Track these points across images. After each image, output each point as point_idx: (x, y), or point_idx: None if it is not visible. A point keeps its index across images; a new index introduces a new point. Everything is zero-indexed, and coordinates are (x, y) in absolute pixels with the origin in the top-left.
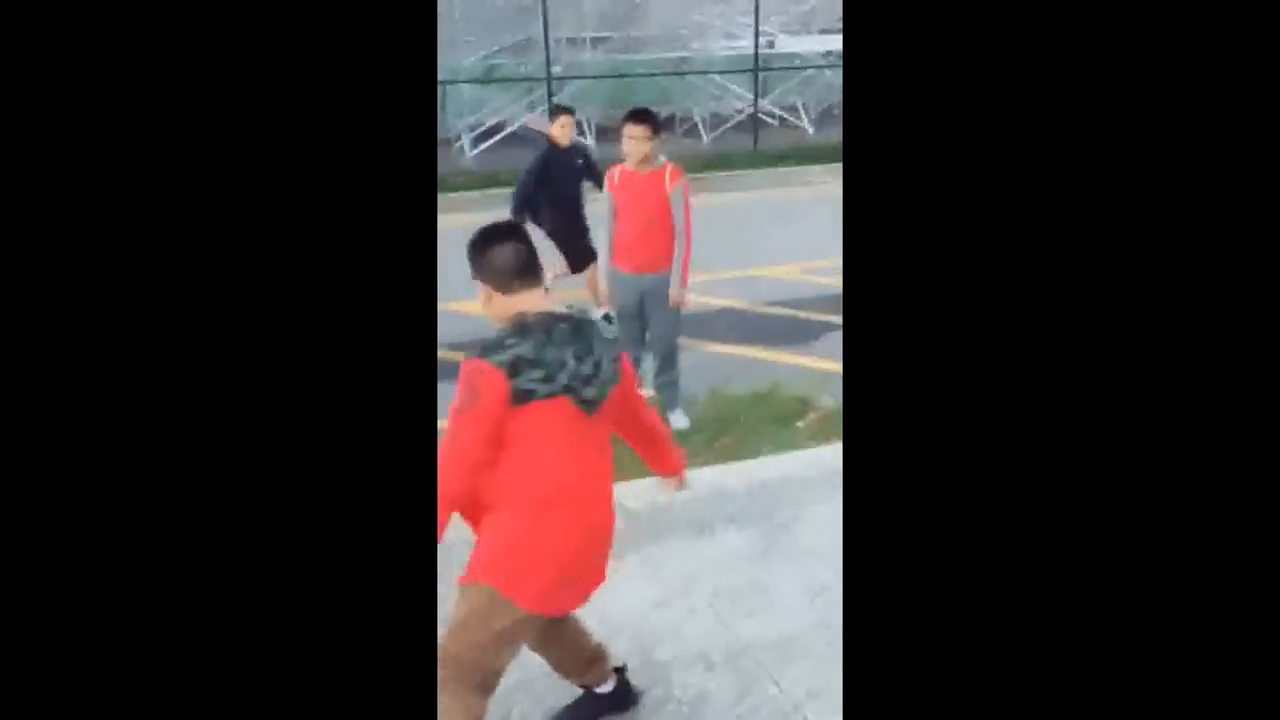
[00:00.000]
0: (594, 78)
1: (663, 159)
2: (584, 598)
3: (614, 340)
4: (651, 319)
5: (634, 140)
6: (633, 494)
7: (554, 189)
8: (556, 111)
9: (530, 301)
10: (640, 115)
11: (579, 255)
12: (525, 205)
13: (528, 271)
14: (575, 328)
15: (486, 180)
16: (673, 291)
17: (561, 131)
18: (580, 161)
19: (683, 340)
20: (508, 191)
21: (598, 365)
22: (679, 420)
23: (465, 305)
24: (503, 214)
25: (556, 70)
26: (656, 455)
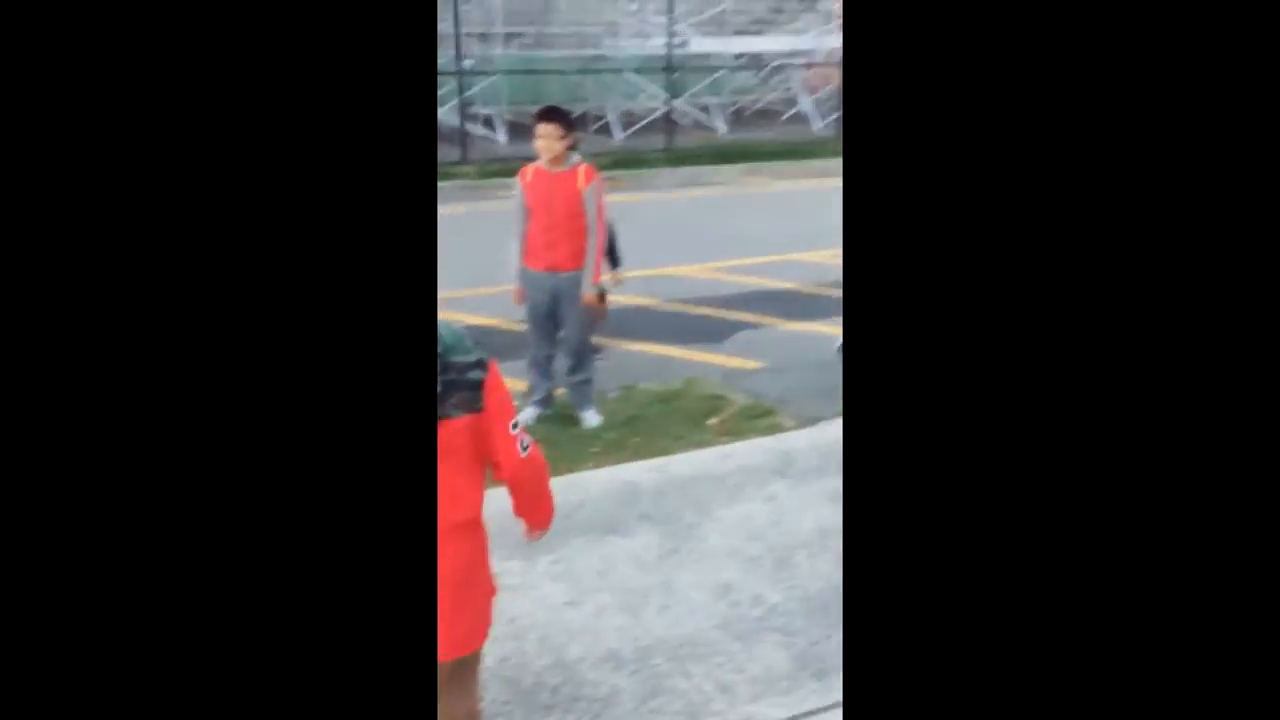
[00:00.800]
0: (506, 73)
1: (576, 158)
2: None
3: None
4: (564, 318)
5: (545, 139)
6: None
7: None
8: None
9: None
10: (550, 114)
11: None
12: None
13: None
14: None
15: None
16: (585, 290)
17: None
18: None
19: (596, 339)
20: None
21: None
22: (591, 419)
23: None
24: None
25: (468, 64)
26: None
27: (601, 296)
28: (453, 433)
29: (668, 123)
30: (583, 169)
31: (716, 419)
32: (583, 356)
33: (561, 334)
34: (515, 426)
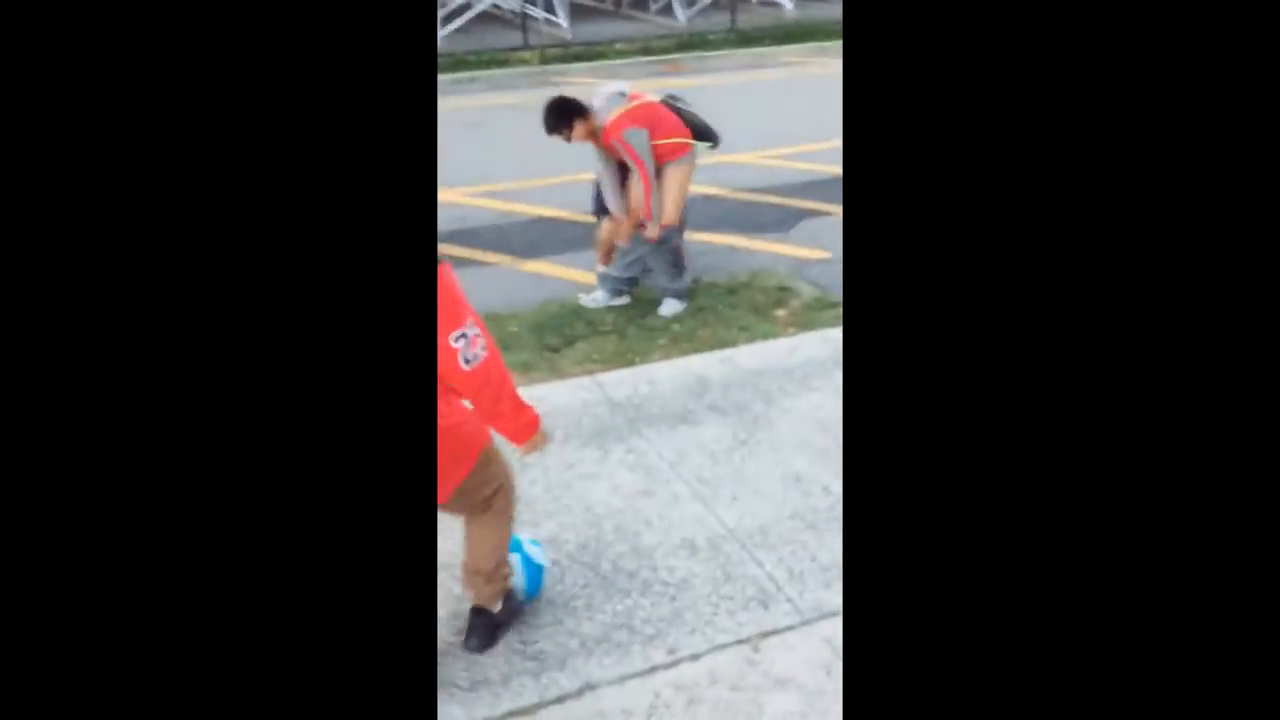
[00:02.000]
0: None
1: (608, 114)
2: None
3: None
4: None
5: (565, 139)
6: (616, 384)
7: None
8: None
9: None
10: (551, 128)
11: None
12: None
13: None
14: None
15: (455, 64)
16: (648, 231)
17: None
18: None
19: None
20: (479, 75)
21: None
22: (669, 307)
23: (449, 194)
24: (471, 99)
25: None
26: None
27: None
28: None
29: (732, 1)
30: (603, 130)
31: (784, 310)
32: (635, 259)
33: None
34: (461, 338)
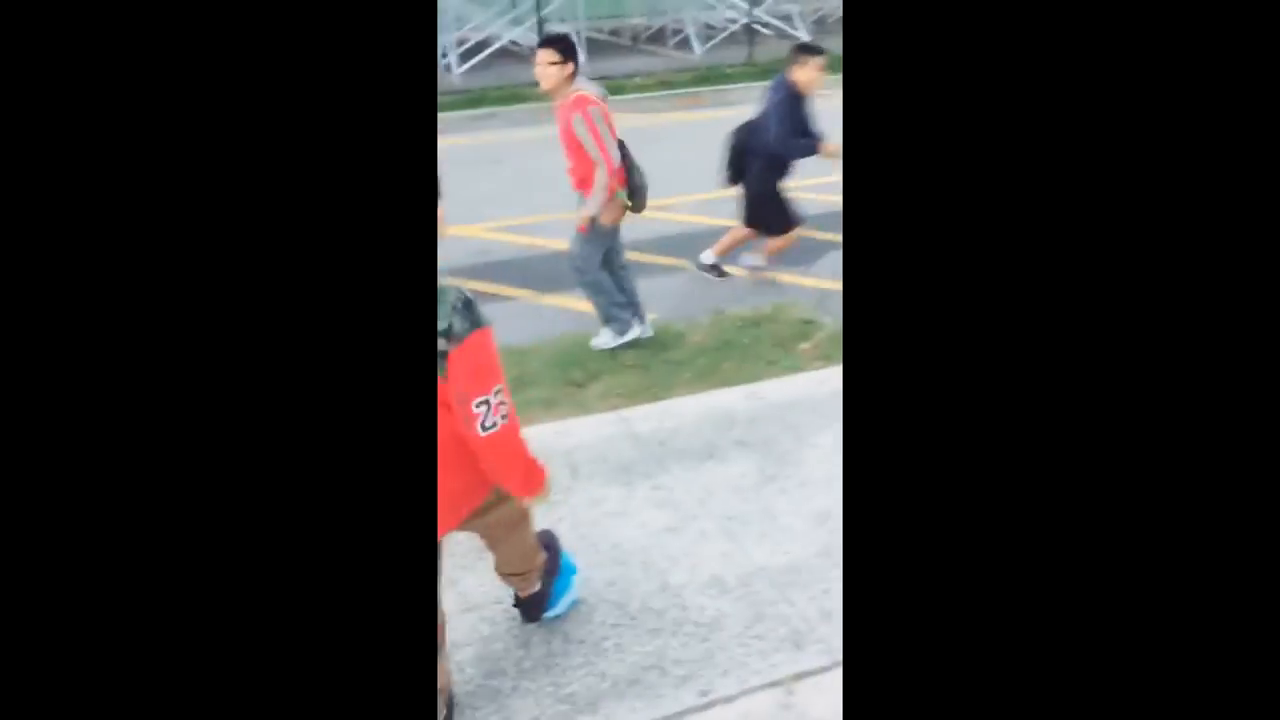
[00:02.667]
0: None
1: (579, 86)
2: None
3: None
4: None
5: (539, 66)
6: (641, 418)
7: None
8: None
9: None
10: (546, 41)
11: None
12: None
13: None
14: None
15: (474, 100)
16: (580, 212)
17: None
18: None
19: (684, 262)
20: (497, 111)
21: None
22: (601, 340)
23: (470, 229)
24: (491, 134)
25: None
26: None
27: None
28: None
29: (748, 33)
30: (574, 98)
31: (809, 343)
32: (580, 279)
33: (617, 260)
34: (484, 404)
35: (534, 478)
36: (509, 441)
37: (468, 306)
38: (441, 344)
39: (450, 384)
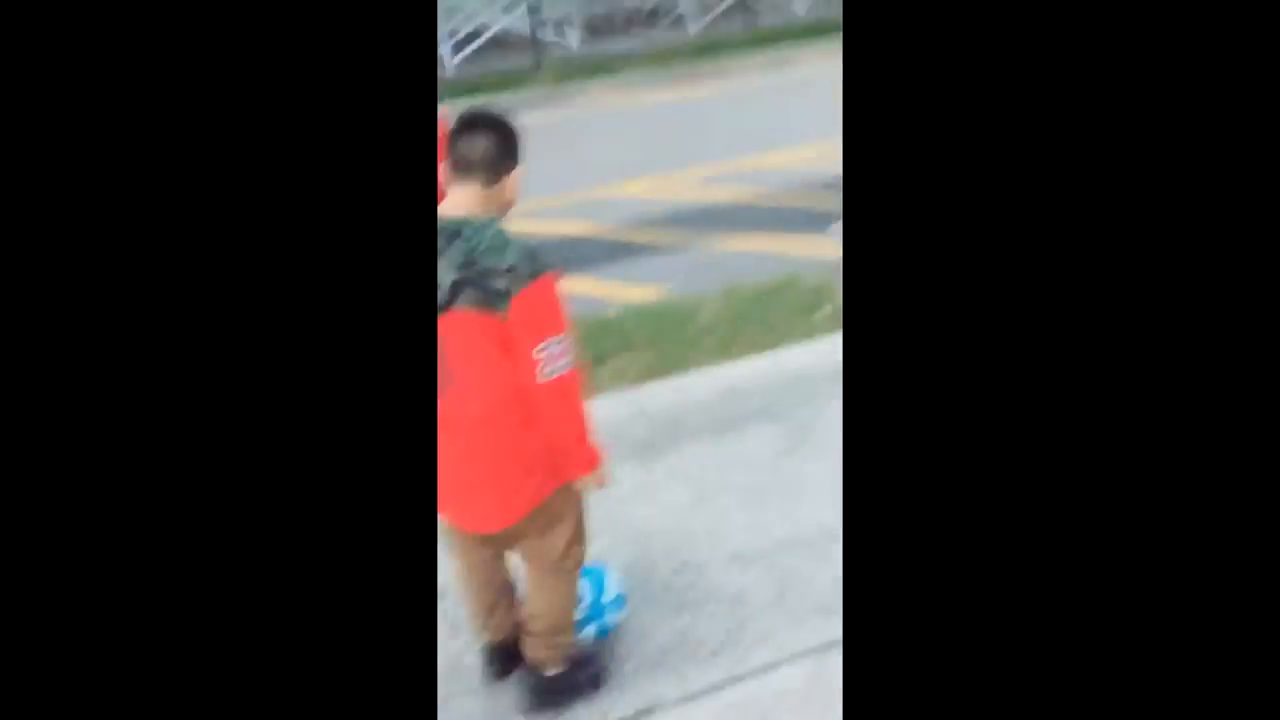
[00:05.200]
0: None
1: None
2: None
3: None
4: None
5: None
6: (656, 396)
7: None
8: None
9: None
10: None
11: None
12: None
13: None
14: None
15: (469, 89)
16: None
17: None
18: None
19: (696, 237)
20: (494, 99)
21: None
22: None
23: None
24: None
25: None
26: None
27: None
28: (455, 324)
29: (744, 5)
30: None
31: (824, 312)
32: None
33: None
34: (545, 350)
35: (592, 450)
36: (570, 392)
37: (533, 254)
38: (503, 282)
39: (511, 327)
